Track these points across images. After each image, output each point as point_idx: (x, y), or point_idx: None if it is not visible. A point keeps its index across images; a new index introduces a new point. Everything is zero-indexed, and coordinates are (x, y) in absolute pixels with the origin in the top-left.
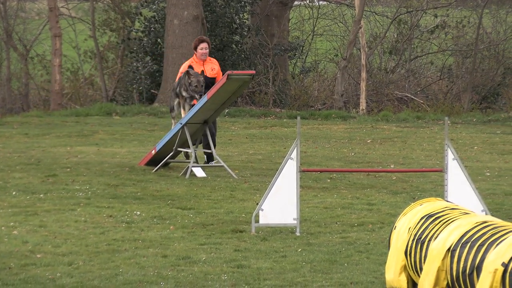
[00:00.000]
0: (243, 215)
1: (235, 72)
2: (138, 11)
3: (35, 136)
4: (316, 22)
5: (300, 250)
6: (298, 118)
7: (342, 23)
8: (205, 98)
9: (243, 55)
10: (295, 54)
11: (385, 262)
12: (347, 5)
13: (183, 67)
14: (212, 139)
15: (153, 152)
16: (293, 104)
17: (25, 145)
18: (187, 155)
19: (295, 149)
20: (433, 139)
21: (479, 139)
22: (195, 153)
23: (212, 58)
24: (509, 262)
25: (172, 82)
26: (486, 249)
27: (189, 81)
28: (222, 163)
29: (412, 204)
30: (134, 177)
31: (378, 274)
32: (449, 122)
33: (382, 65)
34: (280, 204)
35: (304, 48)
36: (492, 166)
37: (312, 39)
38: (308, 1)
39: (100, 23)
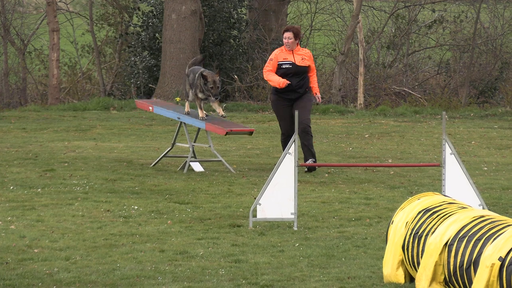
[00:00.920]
0: (241, 210)
1: (233, 129)
2: (136, 5)
3: (33, 131)
4: (314, 17)
5: (297, 244)
6: (296, 112)
7: (340, 17)
8: (203, 125)
9: (241, 50)
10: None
11: (383, 257)
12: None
13: (273, 54)
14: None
15: None
16: None
17: (22, 139)
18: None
19: (293, 143)
20: (430, 134)
21: (477, 134)
22: (192, 147)
23: (304, 49)
24: (506, 256)
25: (170, 77)
26: (483, 243)
27: (204, 81)
28: (220, 158)
29: (410, 198)
30: (132, 172)
31: (376, 269)
32: (446, 116)
33: (380, 60)
34: (277, 199)
35: (302, 42)
36: (490, 161)
37: (310, 33)
38: None
39: (98, 17)
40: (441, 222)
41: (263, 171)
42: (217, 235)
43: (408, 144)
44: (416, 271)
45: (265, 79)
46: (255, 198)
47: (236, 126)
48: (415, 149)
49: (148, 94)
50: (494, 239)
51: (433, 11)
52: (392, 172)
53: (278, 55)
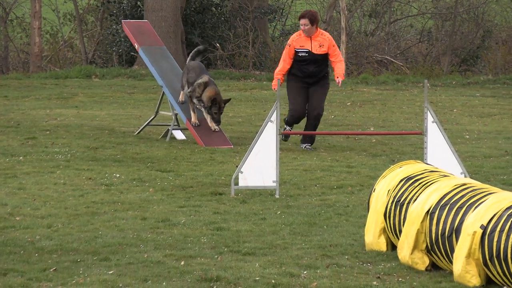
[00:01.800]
0: (223, 178)
1: (213, 146)
2: None
3: (15, 99)
4: None
5: (279, 212)
6: (278, 80)
7: None
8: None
9: (222, 18)
10: (275, 17)
11: (365, 225)
12: None
13: (290, 40)
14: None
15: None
16: (273, 67)
17: (4, 107)
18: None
19: (275, 111)
20: (412, 102)
21: (459, 102)
22: (175, 116)
23: (324, 32)
24: (488, 224)
25: None
26: (465, 211)
27: (212, 104)
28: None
29: (392, 166)
30: (114, 140)
31: (357, 237)
32: (428, 84)
33: (362, 28)
34: (259, 167)
35: (284, 10)
36: (472, 129)
37: (292, 1)
38: None
39: None
40: (423, 190)
41: (245, 139)
42: (199, 203)
43: (390, 112)
44: (398, 239)
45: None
46: (237, 166)
47: (218, 142)
48: (397, 117)
49: (130, 62)
50: (476, 207)
51: None
52: (374, 140)
53: (295, 41)
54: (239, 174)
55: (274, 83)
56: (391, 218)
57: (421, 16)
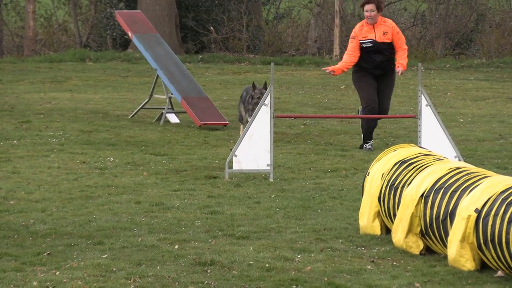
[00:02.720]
0: (217, 161)
1: (208, 123)
2: None
3: (9, 82)
4: None
5: (273, 196)
6: (272, 64)
7: None
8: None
9: (216, 1)
10: (269, 0)
11: (359, 208)
12: None
13: (354, 32)
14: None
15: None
16: (266, 50)
17: None
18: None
19: (269, 95)
20: (406, 85)
21: (452, 85)
22: (169, 99)
23: (386, 19)
24: (482, 208)
25: None
26: (459, 195)
27: (252, 93)
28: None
29: (386, 150)
30: (108, 123)
31: (352, 220)
32: (422, 68)
33: (355, 12)
34: (253, 150)
35: None
36: (465, 112)
37: None
38: None
39: None
40: (417, 174)
41: (239, 123)
42: (193, 187)
43: None
44: (392, 222)
45: (329, 71)
46: (231, 150)
47: (212, 117)
48: (391, 100)
49: (124, 45)
50: (470, 190)
51: None
52: None
53: (359, 33)
54: (233, 157)
55: (333, 69)
56: (386, 202)
57: None
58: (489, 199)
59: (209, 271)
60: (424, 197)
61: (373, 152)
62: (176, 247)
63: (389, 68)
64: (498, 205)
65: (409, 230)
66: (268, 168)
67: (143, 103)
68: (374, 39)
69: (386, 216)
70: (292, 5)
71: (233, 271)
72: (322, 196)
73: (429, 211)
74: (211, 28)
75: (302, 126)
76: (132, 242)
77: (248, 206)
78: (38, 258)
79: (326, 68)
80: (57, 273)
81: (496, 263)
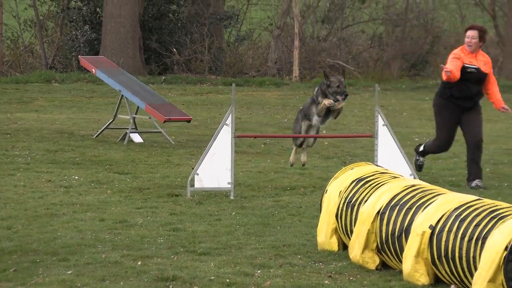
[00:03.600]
0: (179, 180)
1: (172, 118)
2: None
3: None
4: None
5: (234, 213)
6: (233, 85)
7: None
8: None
9: (179, 24)
10: (230, 23)
11: (317, 225)
12: None
13: (456, 54)
14: None
15: None
16: (228, 71)
17: None
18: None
19: (230, 115)
20: (364, 106)
21: (408, 106)
22: (133, 119)
23: (483, 52)
24: (436, 224)
25: (110, 50)
26: (414, 212)
27: (328, 82)
28: (160, 129)
29: (343, 168)
30: (73, 143)
31: (310, 237)
32: (379, 89)
33: (314, 34)
34: (215, 169)
35: (239, 17)
36: (421, 132)
37: (247, 8)
38: None
39: None
40: (374, 191)
41: (201, 142)
42: (155, 204)
43: (342, 115)
44: (349, 238)
45: (447, 69)
46: (193, 168)
47: (175, 114)
48: (348, 120)
49: None
50: (425, 208)
51: None
52: (326, 143)
53: (464, 58)
54: (195, 176)
55: (452, 71)
56: (343, 219)
57: (372, 22)
58: (443, 215)
59: (171, 286)
60: (380, 214)
61: (331, 171)
62: (139, 263)
63: (477, 101)
64: (452, 222)
65: (366, 246)
66: (229, 186)
67: (108, 123)
68: (479, 67)
69: (343, 232)
70: (253, 28)
71: (195, 287)
72: (281, 213)
73: (385, 227)
74: (174, 50)
75: (263, 146)
76: (96, 258)
77: (209, 223)
78: (4, 274)
79: (445, 67)
80: None
81: (449, 277)
